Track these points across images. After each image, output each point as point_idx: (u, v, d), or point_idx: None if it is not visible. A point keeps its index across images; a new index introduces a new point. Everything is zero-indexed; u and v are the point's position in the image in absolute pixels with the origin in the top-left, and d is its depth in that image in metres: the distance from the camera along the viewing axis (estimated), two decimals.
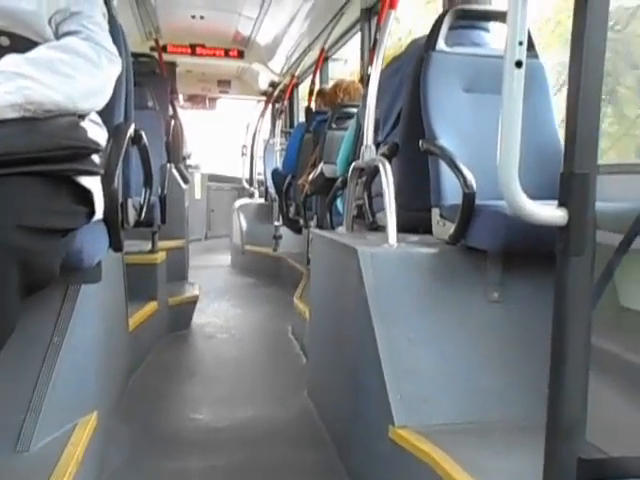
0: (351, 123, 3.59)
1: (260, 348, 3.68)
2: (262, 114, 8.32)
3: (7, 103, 1.35)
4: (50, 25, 1.59)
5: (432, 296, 1.88)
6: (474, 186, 1.82)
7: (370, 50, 4.05)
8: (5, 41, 1.53)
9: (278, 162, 6.74)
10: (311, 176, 4.13)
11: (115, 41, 1.74)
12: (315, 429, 2.35)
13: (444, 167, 1.99)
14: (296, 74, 7.17)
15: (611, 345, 1.67)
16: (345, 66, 5.81)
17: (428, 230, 2.14)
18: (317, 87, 5.64)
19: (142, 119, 2.46)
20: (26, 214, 1.30)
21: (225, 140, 10.49)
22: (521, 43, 1.11)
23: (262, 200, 7.31)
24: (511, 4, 1.10)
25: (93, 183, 1.57)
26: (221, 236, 8.40)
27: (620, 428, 1.51)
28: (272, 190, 6.38)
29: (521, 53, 1.11)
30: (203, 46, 7.10)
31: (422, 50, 2.23)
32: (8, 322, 1.30)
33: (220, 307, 4.75)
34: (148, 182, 2.39)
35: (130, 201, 2.26)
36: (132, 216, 2.30)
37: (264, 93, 8.67)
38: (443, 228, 2.01)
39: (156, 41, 6.33)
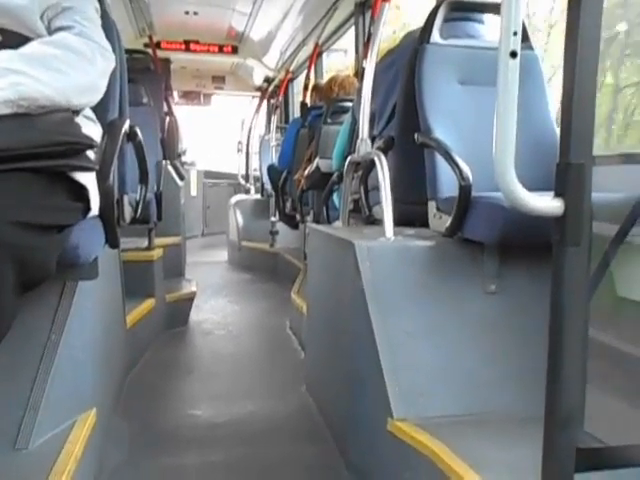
0: (346, 117, 3.59)
1: (258, 344, 3.67)
2: (257, 110, 8.31)
3: (0, 99, 1.34)
4: (42, 20, 1.59)
5: (429, 289, 1.88)
6: (470, 178, 1.82)
7: (364, 44, 4.04)
8: None
9: (274, 158, 6.74)
10: (307, 171, 4.13)
11: (108, 37, 1.73)
12: (314, 424, 2.35)
13: (440, 160, 1.99)
14: (291, 69, 7.16)
15: (608, 335, 1.67)
16: (346, 57, 5.81)
17: (424, 223, 2.14)
18: (312, 82, 5.63)
19: (137, 116, 2.45)
20: (21, 210, 1.30)
21: (220, 136, 10.49)
22: (515, 33, 1.10)
23: (258, 196, 7.31)
24: None
25: (88, 179, 1.56)
26: (218, 233, 8.39)
27: (617, 418, 1.51)
28: (268, 186, 6.38)
29: (515, 43, 1.11)
30: (197, 42, 7.10)
31: (416, 43, 2.23)
32: (4, 320, 1.29)
33: (217, 303, 4.74)
34: (144, 179, 2.39)
35: (126, 198, 2.26)
36: (128, 213, 2.29)
37: (259, 89, 8.67)
38: (440, 221, 2.01)
39: (150, 37, 6.32)
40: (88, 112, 1.72)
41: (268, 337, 3.82)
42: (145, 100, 4.19)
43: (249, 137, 8.13)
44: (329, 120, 4.26)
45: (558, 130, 1.15)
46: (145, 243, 3.37)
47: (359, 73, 4.25)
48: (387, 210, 2.08)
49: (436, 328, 1.84)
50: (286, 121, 7.85)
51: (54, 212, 1.42)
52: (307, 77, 5.75)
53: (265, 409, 2.51)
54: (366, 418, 1.89)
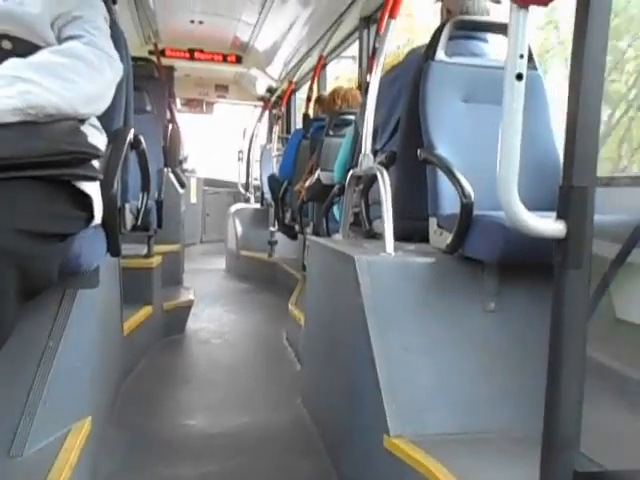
0: (349, 130, 3.60)
1: (254, 354, 3.67)
2: (259, 119, 8.32)
3: (8, 107, 1.34)
4: (53, 29, 1.60)
5: (429, 305, 1.88)
6: (472, 196, 1.83)
7: (369, 58, 4.05)
8: (7, 44, 1.53)
9: (275, 168, 6.74)
10: (308, 182, 4.14)
11: (116, 46, 1.74)
12: (309, 437, 2.34)
13: (442, 176, 2.00)
14: (294, 80, 7.18)
15: (606, 357, 1.67)
16: (355, 64, 5.83)
17: (425, 239, 2.14)
18: (315, 94, 5.65)
19: (140, 123, 2.46)
20: (25, 218, 1.30)
21: (222, 145, 10.49)
22: (522, 56, 1.11)
23: (258, 205, 7.31)
24: (512, 18, 1.11)
25: (92, 188, 1.57)
26: (216, 240, 8.39)
27: (616, 440, 1.51)
28: (268, 195, 6.38)
29: (522, 66, 1.12)
30: (201, 51, 7.12)
31: (421, 59, 2.24)
32: (5, 327, 1.29)
33: (215, 312, 4.74)
34: (146, 187, 2.39)
35: (127, 206, 2.26)
36: (129, 220, 2.30)
37: (262, 98, 8.68)
38: (440, 237, 2.01)
39: (155, 45, 6.33)
40: (94, 120, 1.73)
41: (264, 348, 3.81)
42: (148, 108, 4.20)
43: (250, 146, 8.14)
44: (331, 132, 4.27)
45: (561, 150, 1.16)
46: (144, 250, 3.37)
47: (363, 87, 4.27)
48: (388, 225, 2.08)
49: (435, 345, 1.84)
50: (288, 131, 7.87)
51: (57, 220, 1.42)
52: (310, 88, 5.77)
53: (260, 420, 2.51)
54: (362, 433, 1.89)
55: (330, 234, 3.41)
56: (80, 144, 1.45)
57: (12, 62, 1.42)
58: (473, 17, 2.31)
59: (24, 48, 1.50)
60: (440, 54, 2.20)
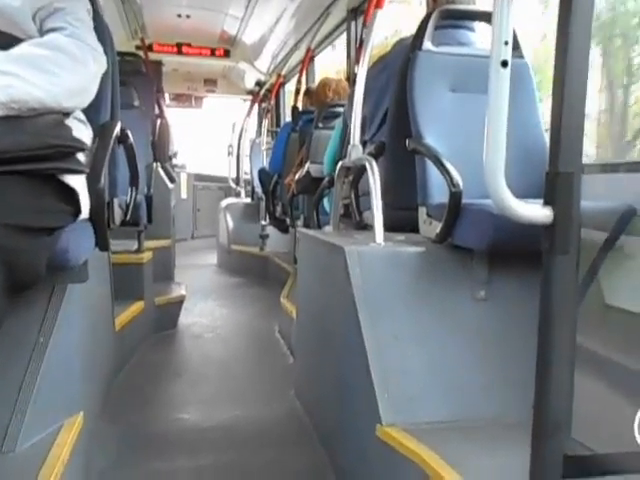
0: (338, 122, 3.60)
1: (247, 348, 3.67)
2: (248, 113, 8.30)
3: None
4: (34, 21, 1.58)
5: (419, 295, 1.88)
6: (460, 185, 1.83)
7: (356, 49, 4.05)
8: None
9: (265, 161, 6.74)
10: (298, 175, 4.13)
11: (100, 38, 1.72)
12: (302, 428, 2.35)
13: (430, 166, 2.00)
14: (282, 73, 7.17)
15: (595, 343, 1.68)
16: (333, 51, 5.82)
17: (415, 229, 2.14)
18: (304, 86, 5.64)
19: (128, 118, 2.45)
20: (10, 213, 1.29)
21: (211, 139, 10.47)
22: (507, 43, 1.11)
23: (249, 199, 7.30)
24: (497, 4, 1.11)
25: (79, 182, 1.56)
26: (207, 236, 8.38)
27: (604, 425, 1.52)
28: (259, 189, 6.38)
29: (507, 53, 1.12)
30: (189, 45, 7.09)
31: (408, 50, 2.24)
32: None
33: (207, 307, 4.74)
34: (134, 181, 2.38)
35: (116, 200, 2.26)
36: (118, 215, 2.29)
37: (250, 92, 8.66)
38: (430, 227, 2.01)
39: (142, 40, 6.30)
40: (79, 114, 1.71)
41: (257, 341, 3.82)
42: (136, 103, 4.18)
43: (240, 140, 8.12)
44: (320, 125, 4.27)
45: (548, 138, 1.16)
46: (135, 245, 3.36)
47: (351, 79, 4.26)
48: (377, 215, 2.08)
49: (425, 334, 1.84)
50: (277, 125, 7.86)
51: (44, 215, 1.41)
52: (299, 81, 5.76)
53: (253, 413, 2.51)
54: (354, 423, 1.89)
55: (321, 226, 3.41)
56: (64, 137, 1.44)
57: None
58: (459, 6, 2.32)
59: (5, 41, 1.49)
60: (427, 44, 2.20)
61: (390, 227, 2.12)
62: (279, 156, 5.30)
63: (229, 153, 8.52)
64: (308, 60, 5.68)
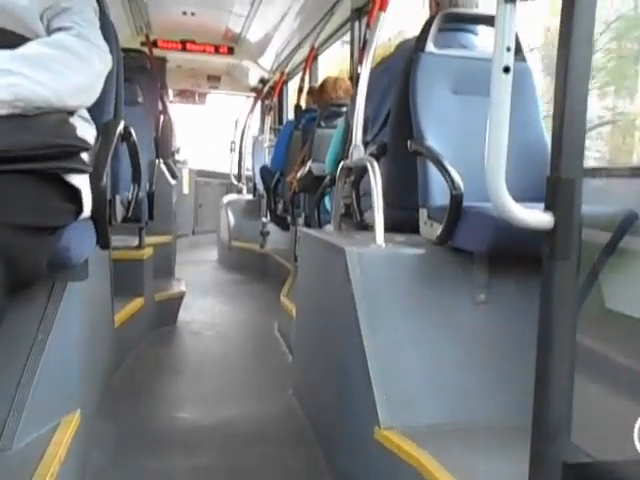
0: (340, 122, 3.60)
1: (246, 346, 3.67)
2: (251, 110, 8.30)
3: None
4: (42, 21, 1.58)
5: (419, 297, 1.88)
6: (462, 187, 1.83)
7: (360, 50, 4.05)
8: None
9: (267, 159, 6.73)
10: (299, 174, 4.14)
11: (106, 37, 1.72)
12: (300, 428, 2.35)
13: (432, 168, 2.00)
14: (286, 71, 7.17)
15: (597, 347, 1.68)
16: (342, 48, 5.80)
17: (415, 230, 2.14)
18: (307, 85, 5.64)
19: (131, 114, 2.45)
20: (13, 212, 1.29)
21: (214, 135, 10.47)
22: (509, 49, 1.11)
23: (250, 196, 7.30)
24: (499, 10, 1.11)
25: (81, 181, 1.56)
26: (208, 232, 8.37)
27: (605, 430, 1.52)
28: (260, 186, 6.37)
29: (509, 59, 1.12)
30: (193, 42, 7.09)
31: (411, 51, 2.24)
32: None
33: (206, 304, 4.74)
34: (136, 178, 2.38)
35: (118, 197, 2.26)
36: (120, 212, 2.29)
37: (254, 89, 8.66)
38: (430, 229, 2.01)
39: (147, 36, 6.31)
40: (84, 113, 1.72)
41: (256, 339, 3.82)
42: (140, 99, 4.18)
43: (242, 137, 8.12)
44: (322, 124, 4.27)
45: (549, 142, 1.16)
46: (135, 242, 3.36)
47: (354, 79, 4.26)
48: (378, 217, 2.08)
49: (425, 336, 1.84)
50: (280, 122, 7.86)
51: (46, 214, 1.41)
52: (302, 80, 5.76)
53: (252, 412, 2.51)
54: (353, 425, 1.89)
55: (322, 225, 3.41)
56: (68, 137, 1.44)
57: (0, 54, 1.41)
58: (462, 9, 2.32)
59: (13, 40, 1.49)
60: (430, 46, 2.21)
61: (391, 227, 2.12)
62: (281, 154, 5.30)
63: (231, 150, 8.52)
64: (311, 59, 5.68)
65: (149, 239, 3.59)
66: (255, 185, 7.10)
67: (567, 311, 1.20)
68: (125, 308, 2.94)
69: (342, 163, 2.61)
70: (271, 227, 6.02)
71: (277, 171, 5.33)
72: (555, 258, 1.16)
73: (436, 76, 2.17)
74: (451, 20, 2.29)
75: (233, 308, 4.66)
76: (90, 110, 1.76)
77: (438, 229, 1.91)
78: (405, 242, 2.06)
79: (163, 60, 7.15)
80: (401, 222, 2.25)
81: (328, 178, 3.28)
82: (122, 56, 2.31)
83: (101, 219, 1.77)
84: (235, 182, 8.15)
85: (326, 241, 2.22)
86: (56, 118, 1.45)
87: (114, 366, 2.73)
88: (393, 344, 1.81)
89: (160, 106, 5.16)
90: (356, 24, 4.74)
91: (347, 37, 5.71)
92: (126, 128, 2.11)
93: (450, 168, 1.88)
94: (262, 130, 8.15)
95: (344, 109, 3.79)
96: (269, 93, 8.13)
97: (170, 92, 8.31)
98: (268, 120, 7.78)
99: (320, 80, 5.13)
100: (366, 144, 2.52)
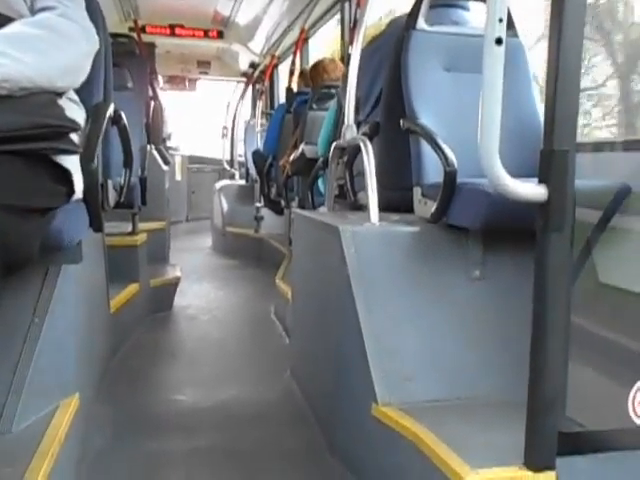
0: (332, 103, 3.58)
1: (242, 329, 3.68)
2: (242, 95, 8.27)
3: None
4: (25, 1, 1.56)
5: (414, 274, 1.88)
6: (455, 164, 1.82)
7: (350, 30, 4.03)
8: None
9: (259, 143, 6.71)
10: (292, 157, 4.12)
11: (92, 18, 1.70)
12: (298, 409, 2.35)
13: (425, 146, 1.99)
14: (276, 54, 7.13)
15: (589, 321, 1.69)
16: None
17: (409, 209, 2.14)
18: (298, 67, 5.61)
19: (121, 100, 2.43)
20: (2, 193, 1.28)
21: (205, 121, 10.43)
22: (501, 20, 1.11)
23: (243, 181, 7.29)
24: None
25: (72, 162, 1.55)
26: (202, 218, 8.36)
27: (598, 402, 1.53)
28: (253, 171, 6.36)
29: (501, 30, 1.11)
30: (182, 26, 7.05)
31: (402, 29, 2.22)
32: None
33: (202, 289, 4.74)
34: (128, 163, 2.37)
35: (110, 182, 2.25)
36: (112, 197, 2.28)
37: (244, 74, 8.62)
38: (425, 207, 2.01)
39: (135, 21, 6.27)
40: (72, 95, 1.70)
41: (252, 322, 3.82)
42: (130, 84, 4.15)
43: (234, 122, 8.09)
44: (314, 106, 4.25)
45: (542, 117, 1.16)
46: (129, 227, 3.36)
47: (345, 59, 4.24)
48: (372, 196, 2.08)
49: (420, 313, 1.84)
50: (271, 107, 7.83)
51: (37, 195, 1.40)
52: (293, 62, 5.73)
53: (250, 394, 2.52)
54: (351, 403, 1.90)
55: (316, 207, 3.41)
56: (57, 117, 1.43)
57: None
58: None
59: None
60: (421, 23, 2.19)
61: (385, 207, 2.12)
62: (273, 137, 5.29)
63: (223, 135, 8.49)
64: (302, 41, 5.65)
65: (143, 225, 3.58)
66: (248, 170, 7.08)
67: (561, 283, 1.21)
68: (121, 294, 2.94)
69: (335, 143, 2.61)
70: (265, 212, 6.01)
71: (270, 155, 5.32)
72: (549, 230, 1.17)
73: (428, 53, 2.16)
74: None
75: (229, 293, 4.66)
76: (79, 92, 1.74)
77: (432, 207, 1.90)
78: (399, 220, 2.06)
79: (152, 46, 7.11)
80: (395, 202, 2.25)
81: (321, 160, 3.27)
82: (110, 41, 2.29)
83: (93, 201, 1.76)
84: (228, 167, 8.13)
85: (320, 221, 2.21)
86: (44, 99, 1.44)
87: (111, 351, 2.74)
88: (389, 321, 1.81)
89: (150, 92, 5.14)
90: (346, 4, 4.71)
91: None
92: (116, 111, 2.10)
93: (443, 145, 1.88)
94: (254, 115, 8.12)
95: (336, 90, 3.77)
96: (260, 77, 8.09)
97: (160, 79, 8.26)
98: (260, 104, 7.75)
99: (311, 62, 5.11)
100: (359, 124, 2.51)
